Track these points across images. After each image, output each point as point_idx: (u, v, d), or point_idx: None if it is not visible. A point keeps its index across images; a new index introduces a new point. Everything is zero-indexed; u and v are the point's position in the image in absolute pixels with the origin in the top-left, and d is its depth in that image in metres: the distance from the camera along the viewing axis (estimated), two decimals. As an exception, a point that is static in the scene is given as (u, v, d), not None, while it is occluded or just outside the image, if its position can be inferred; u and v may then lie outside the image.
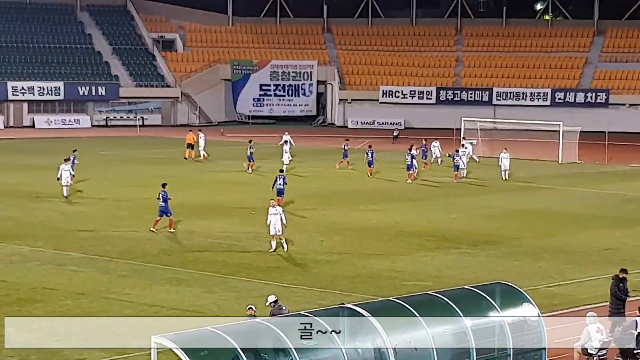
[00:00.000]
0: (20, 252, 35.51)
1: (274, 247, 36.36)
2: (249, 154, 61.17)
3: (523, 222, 44.11)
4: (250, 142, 62.45)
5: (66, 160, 49.72)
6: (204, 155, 67.58)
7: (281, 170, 50.54)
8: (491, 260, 35.84)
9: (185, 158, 66.63)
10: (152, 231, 39.75)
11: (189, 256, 35.45)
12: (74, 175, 50.07)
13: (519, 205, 49.37)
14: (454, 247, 38.08)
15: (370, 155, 60.22)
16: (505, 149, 60.71)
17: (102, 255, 35.10)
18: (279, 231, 36.32)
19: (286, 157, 61.83)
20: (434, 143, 67.37)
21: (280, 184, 46.98)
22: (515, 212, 47.01)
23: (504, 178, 59.21)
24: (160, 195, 40.35)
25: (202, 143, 68.34)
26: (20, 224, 41.17)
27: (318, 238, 39.30)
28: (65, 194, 48.25)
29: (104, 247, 36.64)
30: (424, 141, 67.69)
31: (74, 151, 55.84)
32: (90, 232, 39.70)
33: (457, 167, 59.38)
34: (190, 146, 67.93)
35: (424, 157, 65.55)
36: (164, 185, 41.07)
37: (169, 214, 40.16)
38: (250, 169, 60.74)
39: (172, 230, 39.97)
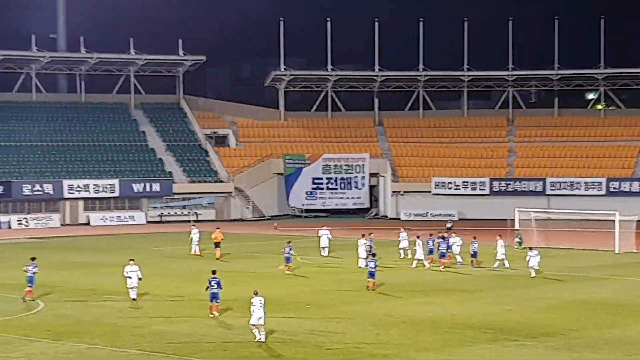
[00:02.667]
0: (77, 350, 35.57)
1: (258, 336, 36.61)
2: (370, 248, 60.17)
3: (581, 313, 43.51)
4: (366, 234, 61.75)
5: (131, 260, 47.05)
6: (195, 250, 66.06)
7: (374, 255, 54.27)
8: (549, 352, 35.32)
9: (218, 259, 63.31)
10: (212, 316, 41.41)
11: (244, 351, 35.30)
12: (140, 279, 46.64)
13: (575, 295, 48.76)
14: (511, 339, 37.59)
15: (431, 243, 60.57)
16: (531, 248, 57.69)
17: (159, 352, 35.04)
18: (260, 320, 36.70)
19: (362, 250, 59.24)
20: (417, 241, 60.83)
21: (372, 267, 50.15)
22: (572, 303, 46.41)
23: (531, 275, 55.42)
24: (212, 281, 42.05)
25: (195, 238, 66.37)
26: (76, 321, 41.31)
27: (374, 331, 39.02)
28: (132, 297, 45.81)
29: (160, 343, 36.61)
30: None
31: (289, 242, 57.66)
32: (146, 328, 39.74)
33: (442, 255, 59.60)
34: (217, 245, 64.92)
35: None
36: (214, 272, 42.81)
37: (218, 300, 41.94)
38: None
39: (216, 314, 41.78)
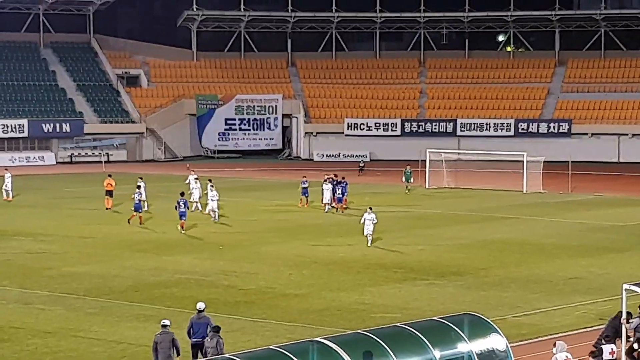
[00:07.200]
0: (-14, 291, 35.27)
1: None
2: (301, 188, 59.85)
3: (489, 253, 44.30)
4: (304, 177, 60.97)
5: None
6: (7, 194, 62.77)
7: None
8: (459, 291, 35.98)
9: (108, 208, 58.15)
10: (182, 232, 48.15)
11: (156, 292, 35.33)
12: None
13: (485, 235, 49.59)
14: (422, 278, 38.19)
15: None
16: (370, 208, 47.34)
17: (69, 293, 34.91)
18: None
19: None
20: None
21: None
22: (481, 243, 47.20)
23: (369, 244, 45.71)
24: (180, 202, 49.21)
25: (8, 183, 62.90)
26: (-15, 262, 40.90)
27: (286, 272, 39.31)
28: None
29: (71, 284, 36.46)
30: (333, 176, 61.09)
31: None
32: (57, 270, 39.50)
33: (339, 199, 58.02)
34: (109, 193, 58.88)
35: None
36: (182, 194, 50.44)
37: (185, 218, 49.10)
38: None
39: (183, 231, 48.71)
